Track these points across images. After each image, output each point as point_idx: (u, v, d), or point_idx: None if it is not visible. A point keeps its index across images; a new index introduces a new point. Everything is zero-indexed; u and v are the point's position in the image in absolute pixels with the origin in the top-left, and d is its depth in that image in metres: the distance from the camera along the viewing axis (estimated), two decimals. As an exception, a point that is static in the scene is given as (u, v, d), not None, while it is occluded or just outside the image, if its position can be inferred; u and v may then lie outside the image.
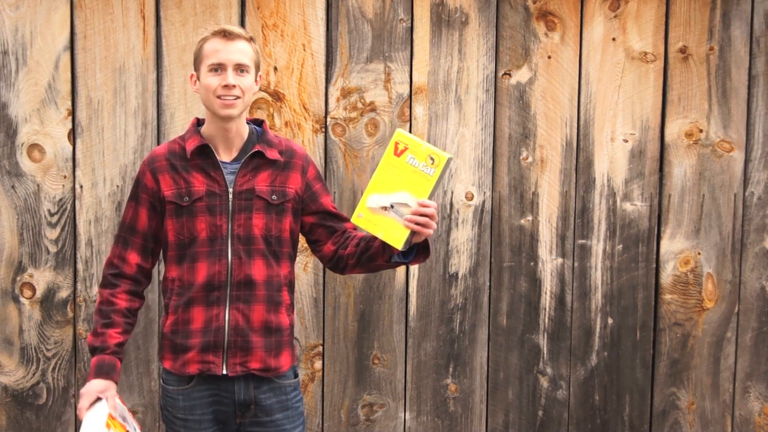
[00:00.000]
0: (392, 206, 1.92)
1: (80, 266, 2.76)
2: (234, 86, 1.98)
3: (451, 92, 2.86)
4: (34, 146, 2.72)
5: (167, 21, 2.75)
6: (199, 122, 2.13)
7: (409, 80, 2.85)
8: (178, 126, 2.76)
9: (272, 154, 2.07)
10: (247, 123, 2.12)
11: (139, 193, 2.08)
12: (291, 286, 2.13)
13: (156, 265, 2.19)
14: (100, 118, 2.74)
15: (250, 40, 2.04)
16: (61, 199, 2.74)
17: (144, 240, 2.09)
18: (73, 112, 2.73)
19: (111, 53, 2.73)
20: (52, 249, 2.75)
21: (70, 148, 2.73)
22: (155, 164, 2.07)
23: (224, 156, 2.07)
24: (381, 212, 1.93)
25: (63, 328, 2.77)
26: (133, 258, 2.09)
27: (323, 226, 2.14)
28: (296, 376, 2.15)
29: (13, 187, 2.72)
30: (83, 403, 2.00)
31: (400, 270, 2.88)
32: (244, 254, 2.03)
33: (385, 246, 2.01)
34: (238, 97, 1.99)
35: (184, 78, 2.75)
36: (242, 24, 2.76)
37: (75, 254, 2.76)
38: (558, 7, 2.88)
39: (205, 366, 2.03)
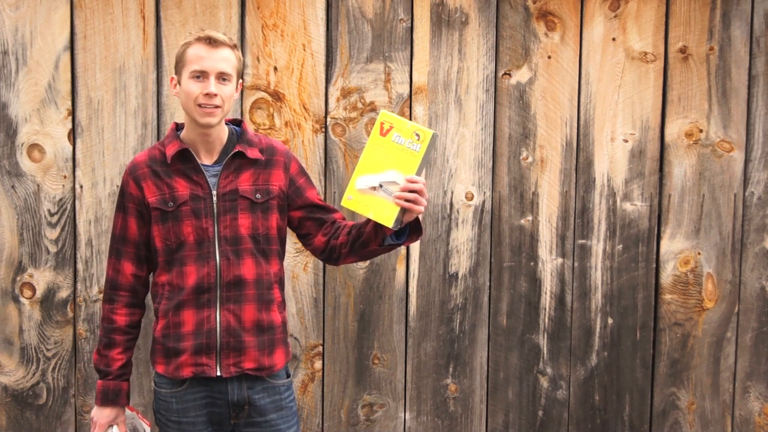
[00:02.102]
0: (381, 186, 1.91)
1: (80, 266, 2.76)
2: (215, 95, 1.98)
3: (451, 92, 2.87)
4: (34, 146, 2.72)
5: (167, 21, 2.75)
6: (177, 126, 2.13)
7: (409, 80, 2.85)
8: (178, 126, 2.76)
9: (253, 153, 2.07)
10: (226, 124, 2.12)
11: (126, 203, 2.08)
12: (281, 283, 2.13)
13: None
14: (100, 118, 2.74)
15: (234, 47, 2.04)
16: (61, 199, 2.74)
17: (136, 249, 2.09)
18: (73, 112, 2.73)
19: (111, 53, 2.73)
20: (52, 249, 2.75)
21: (70, 148, 2.73)
22: (137, 172, 2.07)
23: (205, 159, 2.07)
24: (370, 192, 1.93)
25: (63, 328, 2.77)
26: (128, 268, 2.09)
27: (311, 218, 2.14)
28: (289, 375, 2.15)
29: (13, 187, 2.72)
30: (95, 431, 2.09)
31: (400, 270, 2.88)
32: (233, 255, 2.03)
33: (377, 230, 2.00)
34: (218, 106, 1.99)
35: (184, 78, 2.75)
36: (242, 24, 2.77)
37: (75, 254, 2.76)
38: (558, 7, 2.88)
39: (199, 368, 2.03)
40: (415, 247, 2.88)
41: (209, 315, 2.03)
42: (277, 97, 2.80)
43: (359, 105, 2.83)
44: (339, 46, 2.82)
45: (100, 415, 2.09)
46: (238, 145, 2.07)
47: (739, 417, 3.03)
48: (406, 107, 2.85)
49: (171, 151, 2.04)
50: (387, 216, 1.92)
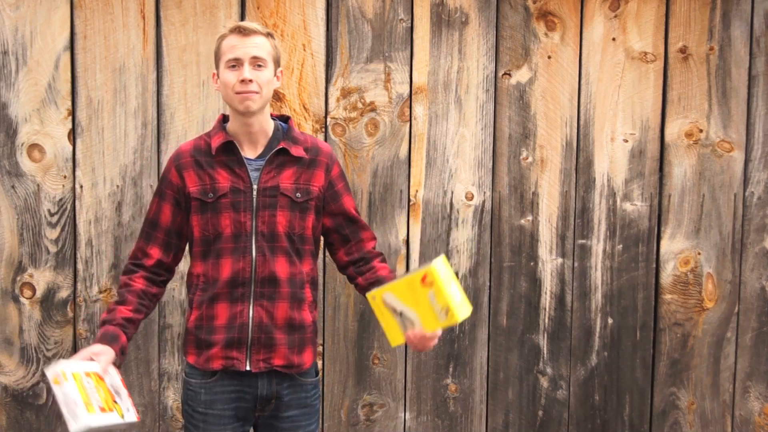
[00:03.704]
0: (401, 314, 1.95)
1: (80, 266, 2.76)
2: (251, 80, 1.98)
3: (451, 92, 2.87)
4: (34, 146, 2.72)
5: (167, 21, 2.75)
6: (224, 118, 2.13)
7: (409, 80, 2.85)
8: (178, 126, 2.76)
9: (297, 151, 2.07)
10: (273, 119, 2.11)
11: (164, 189, 2.08)
12: (313, 283, 2.13)
13: (180, 261, 2.18)
14: (100, 118, 2.74)
15: (268, 35, 2.04)
16: (61, 199, 2.74)
17: (166, 236, 2.09)
18: (73, 112, 2.73)
19: (111, 53, 2.73)
20: (52, 249, 2.75)
21: (70, 148, 2.73)
22: (180, 161, 2.07)
23: (248, 152, 2.06)
24: (390, 310, 1.96)
25: (63, 328, 2.77)
26: (155, 253, 2.09)
27: (339, 233, 2.15)
28: (317, 374, 2.16)
29: (13, 187, 2.72)
30: (74, 357, 1.94)
31: (400, 270, 2.88)
32: (268, 251, 2.03)
33: None
34: (255, 92, 1.99)
35: (185, 78, 2.75)
36: (242, 24, 2.77)
37: (75, 254, 2.76)
38: (558, 7, 2.88)
39: (229, 362, 2.04)
40: (415, 247, 2.88)
41: (242, 310, 2.03)
42: (277, 96, 2.79)
43: (359, 105, 2.83)
44: (339, 46, 2.82)
45: (89, 347, 1.97)
46: (282, 141, 2.06)
47: (739, 417, 3.03)
48: (406, 107, 2.85)
49: (216, 142, 2.04)
50: (393, 337, 1.99)
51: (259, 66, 2.00)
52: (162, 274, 2.11)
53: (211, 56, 2.76)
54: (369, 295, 2.00)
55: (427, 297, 1.89)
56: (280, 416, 2.09)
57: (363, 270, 2.15)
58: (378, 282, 2.09)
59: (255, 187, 2.03)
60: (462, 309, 1.88)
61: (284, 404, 2.08)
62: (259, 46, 2.00)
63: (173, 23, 2.74)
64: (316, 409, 2.14)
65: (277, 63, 2.06)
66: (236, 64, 1.99)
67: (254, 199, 2.03)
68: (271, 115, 2.10)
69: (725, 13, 2.92)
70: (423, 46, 2.85)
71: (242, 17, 2.77)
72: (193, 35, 2.75)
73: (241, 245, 2.03)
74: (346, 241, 2.15)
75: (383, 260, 2.18)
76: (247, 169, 2.03)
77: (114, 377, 1.96)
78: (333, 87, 2.82)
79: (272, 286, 2.04)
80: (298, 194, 2.06)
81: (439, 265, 1.87)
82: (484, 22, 2.86)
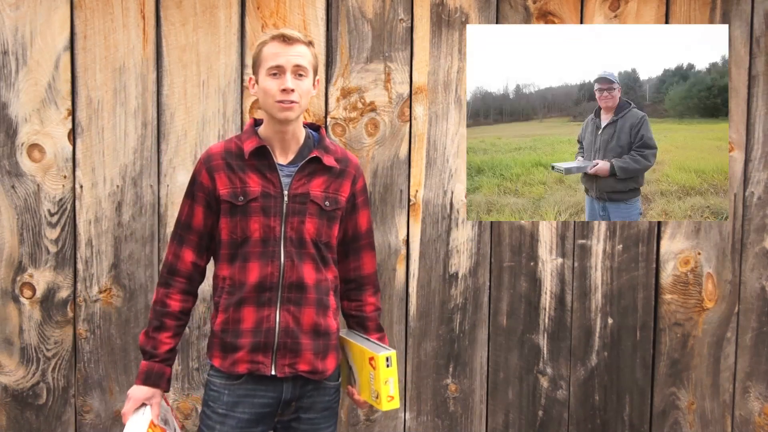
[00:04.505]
0: (350, 368, 2.18)
1: (80, 266, 2.76)
2: (292, 90, 1.99)
3: (451, 92, 2.87)
4: (34, 146, 2.72)
5: (167, 21, 2.75)
6: (256, 122, 2.14)
7: (409, 80, 2.85)
8: (178, 126, 2.76)
9: (329, 160, 2.09)
10: (304, 126, 2.13)
11: (195, 191, 2.09)
12: (336, 290, 2.15)
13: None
14: (100, 118, 2.74)
15: (309, 44, 2.05)
16: (61, 199, 2.74)
17: (199, 238, 2.10)
18: (73, 112, 2.73)
19: (111, 53, 2.73)
20: (52, 249, 2.75)
21: (70, 148, 2.73)
22: (211, 163, 2.08)
23: (280, 158, 2.07)
24: (346, 359, 2.18)
25: (63, 328, 2.77)
26: (188, 256, 2.10)
27: (345, 245, 2.19)
28: (339, 377, 2.17)
29: (13, 187, 2.72)
30: (128, 407, 2.08)
31: (400, 270, 2.88)
32: (296, 257, 2.04)
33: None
34: (295, 102, 2.00)
35: (184, 78, 2.75)
36: (242, 24, 2.77)
37: (75, 254, 2.76)
38: (558, 7, 2.88)
39: (254, 366, 2.04)
40: (415, 247, 2.88)
41: (269, 314, 2.04)
42: (277, 97, 2.79)
43: (359, 105, 2.83)
44: (339, 46, 2.82)
45: (137, 392, 2.09)
46: (315, 150, 2.08)
47: (739, 417, 3.03)
48: (406, 107, 2.85)
49: (249, 146, 2.05)
50: (342, 378, 2.22)
51: (301, 75, 2.01)
52: (195, 279, 2.13)
53: (211, 56, 2.76)
54: (340, 333, 2.17)
55: (369, 374, 2.08)
56: (301, 418, 2.10)
57: (351, 296, 2.21)
58: (357, 321, 2.22)
59: (286, 192, 2.04)
60: (390, 403, 2.08)
61: (305, 407, 2.09)
62: (301, 55, 2.01)
63: (173, 23, 2.75)
64: (335, 412, 2.16)
65: (315, 72, 2.07)
66: (278, 72, 2.00)
67: (284, 205, 2.04)
68: (303, 123, 2.12)
69: (725, 13, 2.92)
70: (423, 46, 2.85)
71: (242, 17, 2.77)
72: (193, 35, 2.75)
73: (269, 250, 2.03)
74: (348, 255, 2.19)
75: (375, 292, 2.24)
76: (279, 175, 2.04)
77: (163, 407, 2.14)
78: (333, 87, 2.82)
79: (299, 292, 2.05)
80: (327, 203, 2.08)
81: (387, 358, 2.07)
82: (484, 22, 2.86)
